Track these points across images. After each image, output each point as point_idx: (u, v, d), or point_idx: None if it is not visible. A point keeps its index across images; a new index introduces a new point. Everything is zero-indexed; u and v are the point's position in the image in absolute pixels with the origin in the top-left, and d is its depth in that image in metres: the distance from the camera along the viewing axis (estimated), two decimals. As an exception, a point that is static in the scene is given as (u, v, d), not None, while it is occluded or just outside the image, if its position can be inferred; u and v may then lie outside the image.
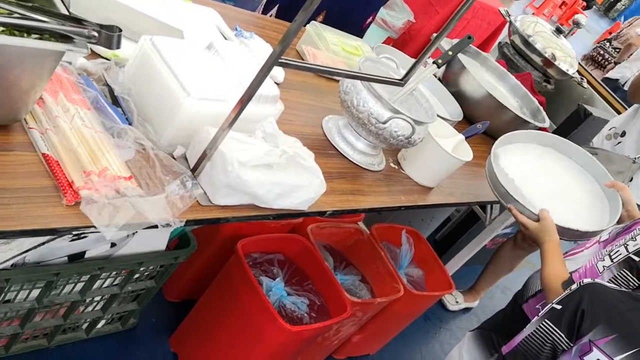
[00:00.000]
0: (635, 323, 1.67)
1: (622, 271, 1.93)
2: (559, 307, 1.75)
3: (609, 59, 8.31)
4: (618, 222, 2.35)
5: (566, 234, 2.30)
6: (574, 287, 1.75)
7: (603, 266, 1.97)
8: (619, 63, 7.88)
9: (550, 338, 1.73)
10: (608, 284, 1.75)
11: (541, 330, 1.76)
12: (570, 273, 2.04)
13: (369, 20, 3.80)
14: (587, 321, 1.67)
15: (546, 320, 1.76)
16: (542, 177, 2.55)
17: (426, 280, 3.22)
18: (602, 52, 8.55)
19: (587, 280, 1.74)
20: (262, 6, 3.37)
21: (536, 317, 1.81)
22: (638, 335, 1.66)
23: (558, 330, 1.72)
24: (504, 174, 2.38)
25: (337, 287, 2.62)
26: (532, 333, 1.79)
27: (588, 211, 2.49)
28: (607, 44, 8.64)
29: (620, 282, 1.91)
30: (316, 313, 2.61)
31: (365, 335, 3.13)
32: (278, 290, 2.51)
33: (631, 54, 7.63)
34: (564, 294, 1.76)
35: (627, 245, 1.96)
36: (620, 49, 8.28)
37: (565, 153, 2.65)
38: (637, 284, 1.90)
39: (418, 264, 3.21)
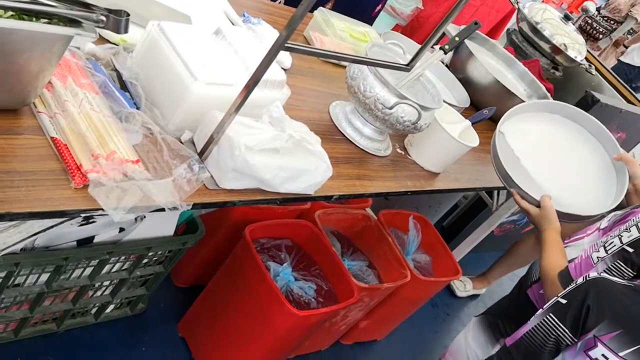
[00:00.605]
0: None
1: (616, 262, 1.92)
2: (564, 301, 1.73)
3: (600, 29, 8.21)
4: (625, 197, 2.35)
5: (567, 217, 2.30)
6: (579, 281, 1.74)
7: (597, 257, 1.96)
8: (628, 46, 7.81)
9: (554, 333, 1.73)
10: (614, 278, 1.73)
11: (545, 324, 1.75)
12: (569, 262, 2.04)
13: (378, 8, 3.81)
14: (592, 317, 1.66)
15: (551, 314, 1.74)
16: (551, 148, 2.50)
17: (433, 266, 3.24)
18: (590, 21, 8.44)
19: (592, 275, 1.73)
20: (271, -7, 3.38)
21: (540, 310, 1.80)
22: None
23: (562, 326, 1.71)
24: (509, 152, 2.34)
25: (345, 272, 2.64)
26: (536, 326, 1.78)
27: (593, 188, 2.44)
28: (596, 12, 8.55)
29: (614, 273, 1.90)
30: (323, 298, 2.63)
31: (372, 320, 3.15)
32: (285, 275, 2.52)
33: None
34: (570, 287, 1.75)
35: (622, 236, 1.94)
36: (609, 17, 8.19)
37: (577, 121, 2.57)
38: (632, 275, 1.90)
39: (425, 250, 3.23)
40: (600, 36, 8.31)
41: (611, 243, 1.95)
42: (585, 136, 2.54)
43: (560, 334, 1.71)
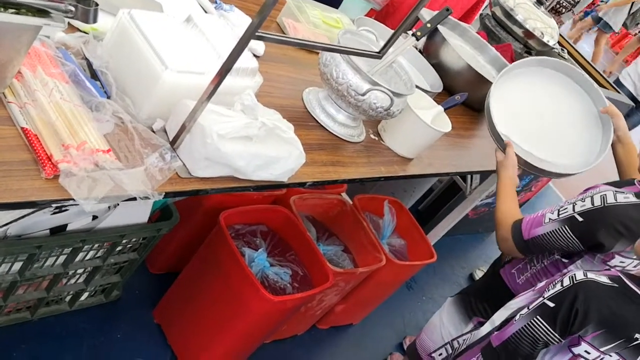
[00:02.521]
0: (623, 318, 1.71)
1: (563, 227, 2.02)
2: (551, 304, 1.76)
3: (563, 3, 8.16)
4: (612, 147, 2.50)
5: (545, 174, 2.47)
6: (566, 282, 1.77)
7: (549, 218, 2.06)
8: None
9: (544, 337, 1.76)
10: (599, 279, 1.75)
11: (534, 327, 1.78)
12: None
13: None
14: (579, 320, 1.70)
15: (538, 317, 1.77)
16: (543, 102, 2.62)
17: (408, 250, 3.26)
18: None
19: (579, 277, 1.75)
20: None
21: (526, 311, 1.82)
22: (624, 327, 1.70)
23: (552, 331, 1.74)
24: (500, 110, 2.49)
25: (320, 257, 2.65)
26: (523, 328, 1.81)
27: (580, 143, 2.58)
28: None
29: (557, 237, 2.02)
30: (299, 283, 2.64)
31: (348, 305, 3.17)
32: (261, 261, 2.53)
33: None
34: (557, 290, 1.77)
35: (575, 204, 2.04)
36: None
37: (569, 76, 2.66)
38: (576, 242, 2.01)
39: (400, 234, 3.25)
40: (564, 10, 8.27)
41: (565, 209, 2.06)
42: (578, 91, 2.64)
43: (550, 338, 1.75)
